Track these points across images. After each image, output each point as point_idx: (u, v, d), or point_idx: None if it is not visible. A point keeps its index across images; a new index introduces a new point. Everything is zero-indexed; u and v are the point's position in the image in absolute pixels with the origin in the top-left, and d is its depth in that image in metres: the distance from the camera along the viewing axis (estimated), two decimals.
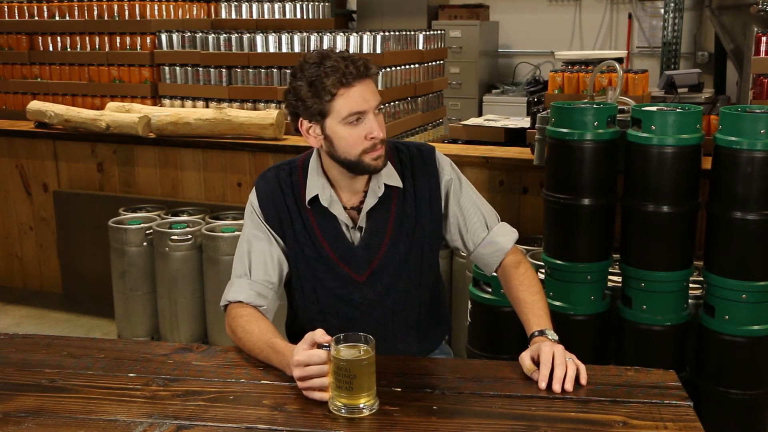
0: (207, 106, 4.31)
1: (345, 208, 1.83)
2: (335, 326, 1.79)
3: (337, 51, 1.72)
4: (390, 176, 1.83)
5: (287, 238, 1.83)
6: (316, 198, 1.81)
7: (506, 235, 1.93)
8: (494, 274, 1.96)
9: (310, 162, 1.85)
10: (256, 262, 1.81)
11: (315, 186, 1.81)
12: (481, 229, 1.91)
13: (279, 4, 4.98)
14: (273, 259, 1.82)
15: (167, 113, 3.99)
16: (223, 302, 1.82)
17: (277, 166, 1.89)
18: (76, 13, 4.68)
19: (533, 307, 1.76)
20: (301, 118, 1.76)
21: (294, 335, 1.89)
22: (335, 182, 1.82)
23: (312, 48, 4.13)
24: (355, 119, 1.70)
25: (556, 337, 1.66)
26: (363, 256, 1.83)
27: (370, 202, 1.82)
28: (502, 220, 1.96)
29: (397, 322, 1.89)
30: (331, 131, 1.72)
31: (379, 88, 3.96)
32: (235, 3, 5.04)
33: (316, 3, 5.09)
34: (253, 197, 1.86)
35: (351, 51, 4.03)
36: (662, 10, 6.79)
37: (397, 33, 4.31)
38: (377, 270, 1.83)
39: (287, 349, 1.58)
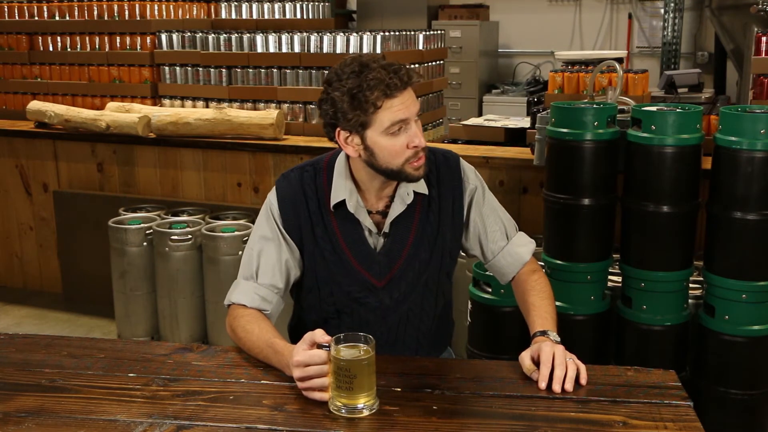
0: (207, 106, 4.31)
1: (369, 212, 1.80)
2: (348, 326, 1.79)
3: (374, 58, 1.68)
4: (417, 183, 1.80)
5: (305, 242, 1.80)
6: (340, 203, 1.78)
7: (525, 245, 1.93)
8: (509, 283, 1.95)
9: (336, 163, 1.81)
10: (264, 266, 1.79)
11: (341, 190, 1.77)
12: (501, 238, 1.91)
13: (279, 4, 4.97)
14: (281, 265, 1.80)
15: (167, 113, 3.99)
16: (226, 301, 1.81)
17: (300, 167, 1.84)
18: (76, 13, 4.68)
19: (540, 310, 1.77)
20: (338, 129, 1.70)
21: (299, 336, 1.87)
22: (362, 185, 1.79)
23: (312, 48, 4.13)
24: (398, 129, 1.66)
25: (558, 339, 1.66)
26: (384, 262, 1.80)
27: (397, 209, 1.79)
28: (512, 220, 1.96)
29: (409, 330, 1.88)
30: (372, 142, 1.68)
31: None
32: (235, 3, 5.04)
33: (316, 3, 5.09)
34: (272, 197, 1.82)
35: (351, 51, 4.06)
36: (662, 10, 6.79)
37: (397, 33, 4.31)
38: (396, 276, 1.81)
39: (287, 349, 1.58)
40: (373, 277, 1.81)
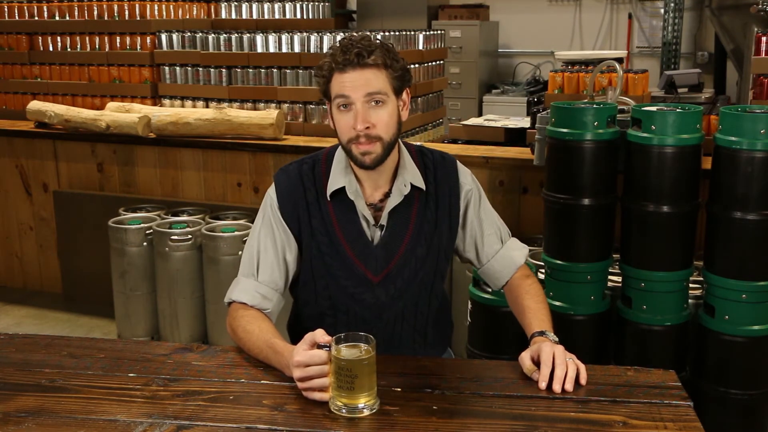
0: (207, 106, 4.31)
1: (366, 204, 1.81)
2: (344, 324, 1.80)
3: (362, 35, 1.72)
4: (414, 176, 1.82)
5: (303, 235, 1.81)
6: (337, 192, 1.79)
7: (519, 250, 1.94)
8: (501, 289, 1.95)
9: (335, 154, 1.83)
10: (264, 263, 1.80)
11: (340, 178, 1.79)
12: (495, 241, 1.92)
13: (279, 4, 4.97)
14: (281, 262, 1.80)
15: (167, 113, 3.99)
16: (227, 299, 1.81)
17: (299, 160, 1.87)
18: (76, 13, 4.68)
19: (536, 313, 1.77)
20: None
21: (297, 334, 1.88)
22: (360, 175, 1.80)
23: (312, 48, 4.13)
24: (343, 105, 1.69)
25: (556, 339, 1.66)
26: (381, 256, 1.81)
27: (395, 200, 1.80)
28: (505, 225, 1.97)
29: (405, 327, 1.88)
30: (332, 113, 1.75)
31: None
32: (235, 3, 5.04)
33: (316, 3, 5.09)
34: (271, 190, 1.84)
35: None
36: (662, 10, 6.79)
37: (397, 33, 4.31)
38: (393, 272, 1.82)
39: (286, 349, 1.58)
40: (370, 272, 1.81)
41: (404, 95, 1.78)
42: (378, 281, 1.81)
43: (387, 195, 1.81)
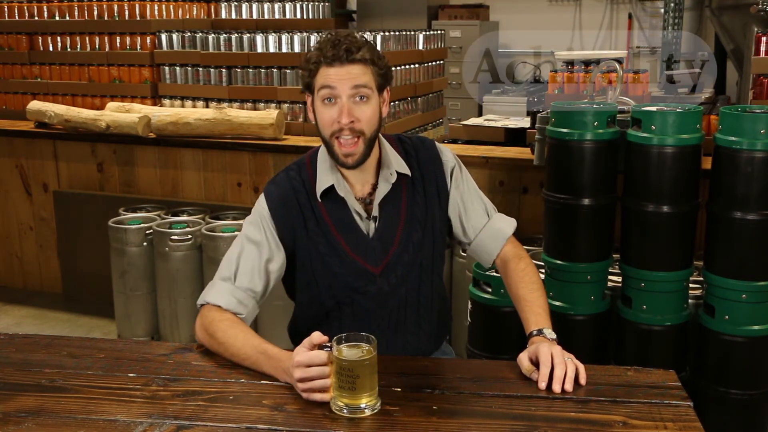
0: (207, 106, 4.31)
1: (356, 199, 1.82)
2: (349, 317, 1.81)
3: (348, 32, 1.74)
4: (399, 164, 1.84)
5: (299, 241, 1.81)
6: (327, 192, 1.80)
7: (506, 221, 1.96)
8: (494, 265, 1.96)
9: (318, 156, 1.84)
10: (243, 268, 1.77)
11: (327, 177, 1.80)
12: (482, 215, 1.93)
13: (279, 4, 4.98)
14: (261, 269, 1.78)
15: (167, 113, 3.99)
16: (200, 301, 1.78)
17: (285, 170, 1.88)
18: (76, 13, 4.68)
19: (532, 305, 1.76)
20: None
21: (299, 335, 1.86)
22: (344, 172, 1.81)
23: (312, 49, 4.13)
24: (328, 98, 1.70)
25: (554, 336, 1.66)
26: (378, 247, 1.82)
27: (383, 190, 1.82)
28: (490, 202, 1.99)
29: (410, 313, 1.89)
30: (314, 106, 1.76)
31: None
32: (235, 3, 5.04)
33: (316, 3, 5.09)
34: (261, 204, 1.82)
35: None
36: (662, 10, 6.79)
37: (397, 33, 4.31)
38: (392, 260, 1.83)
39: (283, 353, 1.57)
40: (369, 264, 1.81)
41: (385, 93, 1.81)
42: (379, 272, 1.82)
43: (375, 187, 1.83)
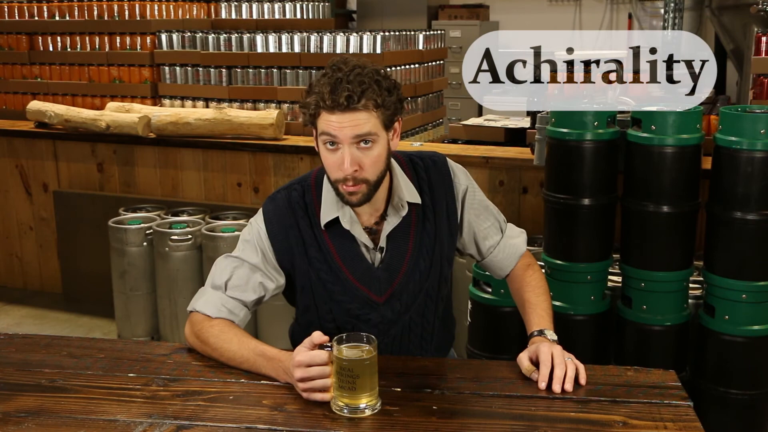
0: (207, 106, 4.31)
1: (363, 228, 1.74)
2: None
3: (349, 66, 1.60)
4: (410, 192, 1.75)
5: (297, 265, 1.75)
6: (332, 222, 1.72)
7: (518, 237, 1.92)
8: (504, 278, 1.93)
9: (324, 179, 1.73)
10: (236, 280, 1.73)
11: (332, 206, 1.71)
12: (495, 233, 1.89)
13: (279, 4, 4.98)
14: (255, 283, 1.74)
15: (167, 113, 3.99)
16: (190, 308, 1.74)
17: (287, 187, 1.78)
18: (76, 13, 4.68)
19: (536, 308, 1.76)
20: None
21: (301, 339, 1.84)
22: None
23: (312, 48, 4.13)
24: (330, 143, 1.61)
25: (555, 337, 1.66)
26: (383, 277, 1.75)
27: (392, 222, 1.74)
28: (500, 213, 1.94)
29: (413, 338, 1.84)
30: (318, 144, 1.67)
31: None
32: (235, 3, 5.04)
33: (316, 3, 5.09)
34: (259, 222, 1.76)
35: (351, 51, 4.05)
36: (662, 10, 6.79)
37: (397, 33, 4.31)
38: (397, 290, 1.77)
39: (282, 354, 1.56)
40: (374, 294, 1.76)
41: (396, 125, 1.70)
42: (383, 301, 1.77)
43: (383, 216, 1.75)
